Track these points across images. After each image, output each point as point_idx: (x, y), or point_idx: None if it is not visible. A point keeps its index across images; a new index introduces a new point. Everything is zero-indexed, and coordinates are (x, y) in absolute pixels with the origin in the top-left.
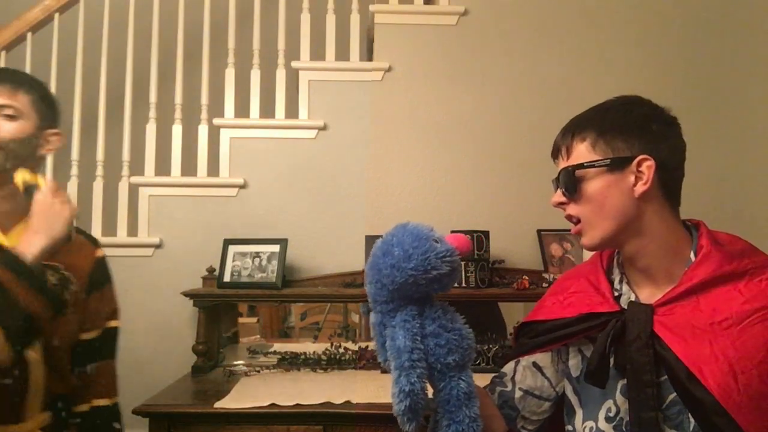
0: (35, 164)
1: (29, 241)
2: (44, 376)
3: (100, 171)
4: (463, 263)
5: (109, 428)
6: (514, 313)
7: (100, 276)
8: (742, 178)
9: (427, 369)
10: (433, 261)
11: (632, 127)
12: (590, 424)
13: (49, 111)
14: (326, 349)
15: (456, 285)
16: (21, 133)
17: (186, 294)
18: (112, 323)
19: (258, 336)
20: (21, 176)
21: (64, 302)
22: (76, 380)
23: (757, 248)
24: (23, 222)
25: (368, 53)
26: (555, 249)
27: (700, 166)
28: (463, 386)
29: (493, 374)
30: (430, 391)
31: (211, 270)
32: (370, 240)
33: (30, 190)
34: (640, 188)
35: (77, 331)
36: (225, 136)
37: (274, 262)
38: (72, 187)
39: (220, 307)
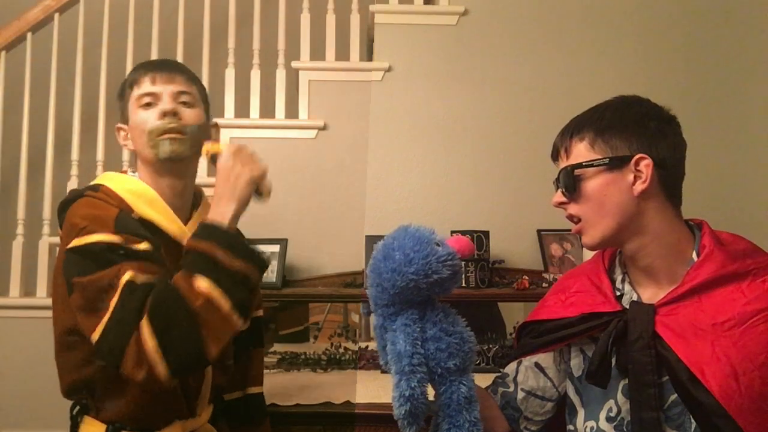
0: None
1: (218, 210)
2: (212, 373)
3: (100, 171)
4: (462, 263)
5: (262, 414)
6: (513, 313)
7: None
8: (742, 178)
9: (427, 373)
10: (434, 265)
11: (630, 125)
12: (591, 424)
13: (207, 103)
14: (326, 349)
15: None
16: (199, 119)
17: None
18: (258, 313)
19: None
20: (205, 147)
21: (266, 263)
22: (233, 371)
23: (760, 248)
24: (197, 214)
25: (368, 53)
26: (555, 249)
27: (700, 166)
28: (463, 390)
29: (493, 374)
30: (431, 394)
31: None
32: (370, 240)
33: (215, 158)
34: (639, 187)
35: None
36: (225, 136)
37: (274, 263)
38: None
39: None
